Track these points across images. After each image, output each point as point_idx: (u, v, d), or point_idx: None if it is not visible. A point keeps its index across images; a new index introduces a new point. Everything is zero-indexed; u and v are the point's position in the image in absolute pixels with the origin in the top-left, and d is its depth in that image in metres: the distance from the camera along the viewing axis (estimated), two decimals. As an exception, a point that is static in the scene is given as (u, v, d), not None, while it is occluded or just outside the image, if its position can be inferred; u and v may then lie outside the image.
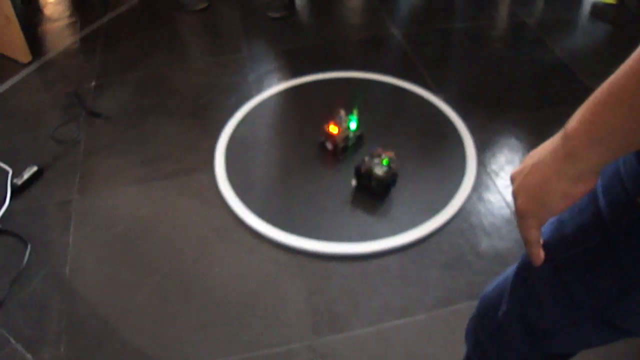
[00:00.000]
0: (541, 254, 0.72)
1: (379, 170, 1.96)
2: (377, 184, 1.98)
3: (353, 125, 2.16)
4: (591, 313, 0.75)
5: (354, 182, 2.03)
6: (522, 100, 2.45)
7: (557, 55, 2.71)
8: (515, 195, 0.70)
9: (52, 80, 2.73)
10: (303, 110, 2.44)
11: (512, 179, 0.71)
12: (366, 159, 1.99)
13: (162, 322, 1.70)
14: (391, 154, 1.99)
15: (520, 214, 0.69)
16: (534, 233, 0.69)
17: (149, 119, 2.43)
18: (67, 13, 3.27)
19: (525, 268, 0.82)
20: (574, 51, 2.75)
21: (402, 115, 2.38)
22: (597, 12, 3.05)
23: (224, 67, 2.74)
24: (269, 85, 2.57)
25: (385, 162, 1.97)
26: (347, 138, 2.16)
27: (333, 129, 2.13)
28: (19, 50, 2.80)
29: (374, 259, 1.83)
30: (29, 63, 2.83)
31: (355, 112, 2.16)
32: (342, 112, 2.15)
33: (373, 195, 2.02)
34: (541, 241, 0.71)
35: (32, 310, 1.74)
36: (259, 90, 2.53)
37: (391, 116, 2.38)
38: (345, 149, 2.19)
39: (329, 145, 2.17)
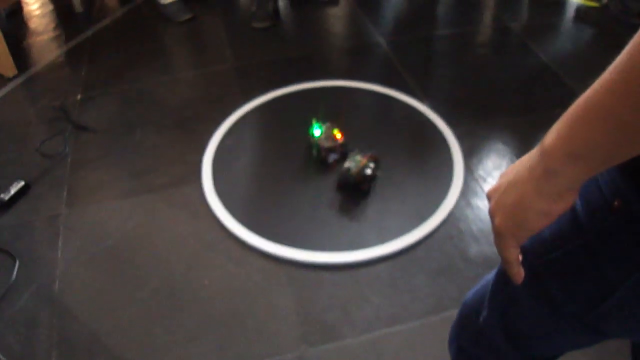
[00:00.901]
0: (521, 272, 0.70)
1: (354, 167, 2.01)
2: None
3: (317, 132, 2.15)
4: (572, 317, 0.75)
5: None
6: (508, 105, 2.47)
7: (542, 59, 2.73)
8: (492, 214, 0.68)
9: (37, 94, 2.72)
10: (289, 120, 2.44)
11: (489, 197, 0.70)
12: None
13: (152, 336, 1.69)
14: (365, 160, 2.02)
15: (498, 233, 0.67)
16: (513, 252, 0.68)
17: (135, 132, 2.42)
18: (52, 26, 3.27)
19: (505, 273, 0.83)
20: (559, 55, 2.77)
21: (389, 124, 2.39)
22: (581, 15, 3.08)
23: (210, 78, 2.74)
24: (255, 96, 2.56)
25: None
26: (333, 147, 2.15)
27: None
28: (4, 64, 2.79)
29: (363, 268, 1.84)
30: (14, 77, 2.82)
31: (317, 119, 2.17)
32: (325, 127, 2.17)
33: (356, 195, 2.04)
34: (520, 258, 0.70)
35: (21, 327, 1.72)
36: (245, 101, 2.53)
37: (378, 124, 2.39)
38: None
39: (333, 157, 2.17)
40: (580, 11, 3.10)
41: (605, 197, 0.63)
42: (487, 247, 1.86)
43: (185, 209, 2.06)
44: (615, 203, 0.62)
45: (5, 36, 2.71)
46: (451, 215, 1.98)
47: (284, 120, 2.45)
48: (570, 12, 3.16)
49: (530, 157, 0.62)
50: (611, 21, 2.93)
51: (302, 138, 2.25)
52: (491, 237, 1.92)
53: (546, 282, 0.76)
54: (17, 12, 3.39)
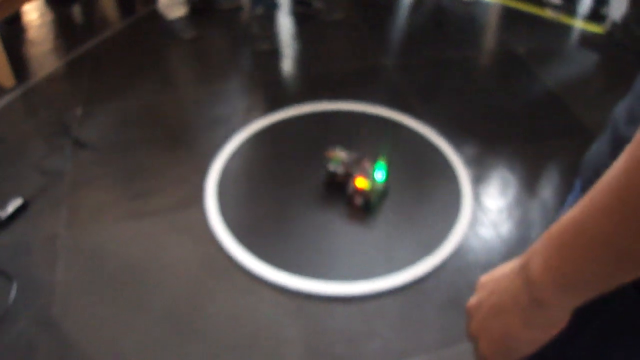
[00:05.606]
0: None
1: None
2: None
3: (380, 176, 2.04)
4: None
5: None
6: (515, 133, 2.45)
7: (548, 86, 2.72)
8: (474, 336, 0.63)
9: (36, 107, 2.66)
10: (295, 143, 2.41)
11: (469, 313, 0.64)
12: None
13: (155, 367, 1.65)
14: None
15: (483, 358, 0.62)
16: None
17: (137, 151, 2.37)
18: (52, 36, 3.21)
19: None
20: (565, 81, 2.76)
21: (395, 149, 2.35)
22: (586, 41, 3.07)
23: (214, 97, 2.70)
24: (260, 117, 2.53)
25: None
26: (374, 191, 2.04)
27: (362, 182, 2.01)
28: (3, 74, 2.73)
29: (372, 299, 1.80)
30: (13, 88, 2.76)
31: (382, 160, 2.05)
32: (367, 163, 2.06)
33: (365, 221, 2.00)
34: None
35: (19, 352, 1.68)
36: (249, 122, 2.50)
37: (383, 150, 2.35)
38: (374, 202, 2.07)
39: (358, 200, 2.05)
40: (585, 37, 3.10)
41: None
42: (496, 281, 1.83)
43: (188, 233, 2.02)
44: None
45: (4, 44, 2.66)
46: (460, 247, 1.96)
47: (290, 143, 2.41)
48: (574, 37, 3.16)
49: (512, 277, 0.56)
50: (616, 48, 2.92)
51: (308, 162, 2.22)
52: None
53: None
54: (15, 20, 3.33)
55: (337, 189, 2.08)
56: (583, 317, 0.63)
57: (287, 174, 2.25)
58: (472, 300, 0.63)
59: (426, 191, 2.17)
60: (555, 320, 0.54)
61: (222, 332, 1.72)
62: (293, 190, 2.17)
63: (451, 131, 2.43)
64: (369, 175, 2.02)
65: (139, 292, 1.84)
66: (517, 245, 1.95)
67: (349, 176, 2.03)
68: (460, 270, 1.89)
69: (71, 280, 1.88)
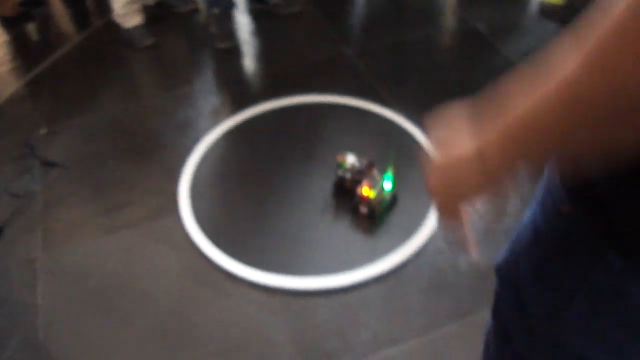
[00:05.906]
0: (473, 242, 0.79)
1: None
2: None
3: (388, 185, 2.01)
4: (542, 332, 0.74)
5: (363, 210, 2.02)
6: (482, 109, 2.45)
7: (511, 60, 2.73)
8: (432, 193, 0.73)
9: (0, 130, 2.62)
10: (263, 141, 2.39)
11: (431, 194, 0.73)
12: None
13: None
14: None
15: (440, 211, 0.75)
16: (456, 211, 0.74)
17: (107, 164, 2.34)
18: (9, 57, 3.16)
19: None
20: (527, 54, 2.77)
21: (364, 137, 2.35)
22: (545, 12, 3.08)
23: (178, 102, 2.67)
24: (226, 117, 2.50)
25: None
26: (382, 201, 2.01)
27: (367, 191, 1.97)
28: (-38, 100, 2.69)
29: (356, 290, 1.80)
30: (-26, 113, 2.72)
31: (390, 170, 2.00)
32: (375, 172, 2.04)
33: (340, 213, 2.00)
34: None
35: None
36: (216, 123, 2.47)
37: (352, 139, 2.34)
38: (380, 212, 2.03)
39: (363, 209, 2.01)
40: (544, 8, 3.11)
41: (554, 202, 0.64)
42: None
43: (166, 242, 2.00)
44: (563, 208, 0.63)
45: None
46: (438, 228, 1.96)
47: (259, 141, 2.40)
48: (534, 9, 3.17)
49: (469, 163, 0.63)
50: (575, 17, 2.93)
51: (279, 158, 2.21)
52: (481, 246, 1.91)
53: (521, 291, 0.76)
54: (-31, 43, 3.28)
55: (346, 194, 2.07)
56: (570, 290, 0.64)
57: (259, 171, 2.24)
58: (432, 180, 0.72)
59: (400, 176, 2.16)
60: (503, 180, 0.62)
61: (210, 338, 1.71)
62: (266, 187, 2.17)
63: (418, 113, 2.42)
64: (376, 184, 1.99)
65: (123, 307, 1.82)
66: (494, 220, 1.96)
67: (356, 183, 2.01)
68: (440, 251, 1.89)
69: (54, 302, 1.85)
